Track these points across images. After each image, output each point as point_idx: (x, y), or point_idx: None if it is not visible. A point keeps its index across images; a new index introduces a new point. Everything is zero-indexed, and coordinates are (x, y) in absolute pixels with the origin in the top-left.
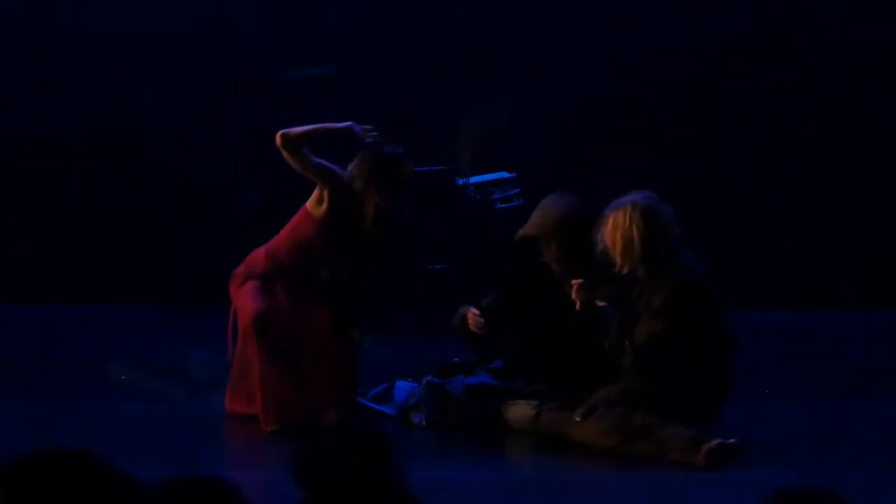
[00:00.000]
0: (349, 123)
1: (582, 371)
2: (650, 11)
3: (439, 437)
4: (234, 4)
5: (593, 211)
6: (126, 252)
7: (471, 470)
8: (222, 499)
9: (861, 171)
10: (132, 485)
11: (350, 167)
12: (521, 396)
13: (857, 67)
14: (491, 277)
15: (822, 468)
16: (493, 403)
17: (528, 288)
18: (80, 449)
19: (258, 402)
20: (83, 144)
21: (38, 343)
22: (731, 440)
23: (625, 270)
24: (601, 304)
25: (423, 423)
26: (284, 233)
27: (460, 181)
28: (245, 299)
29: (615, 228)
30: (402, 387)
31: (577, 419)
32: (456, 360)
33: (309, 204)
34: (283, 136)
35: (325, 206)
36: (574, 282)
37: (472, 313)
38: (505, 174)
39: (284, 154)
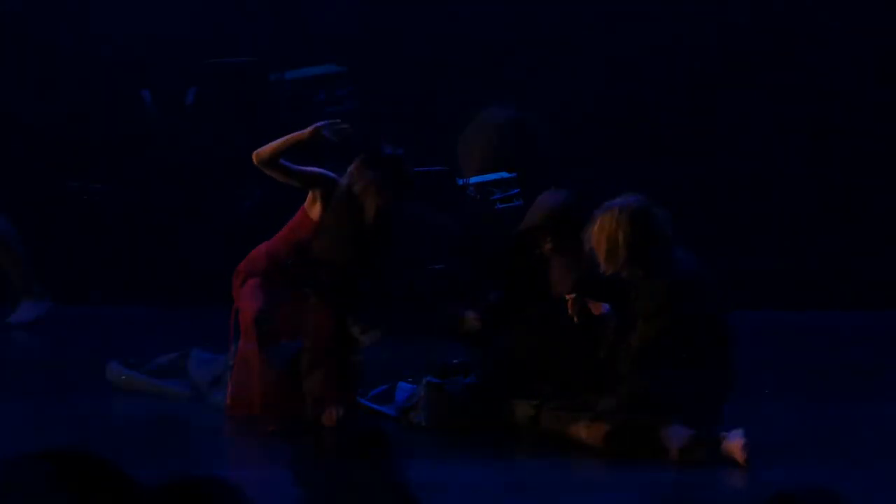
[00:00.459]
0: (316, 125)
1: (580, 371)
2: (650, 11)
3: (439, 437)
4: (235, 4)
5: (588, 205)
6: (126, 252)
7: (471, 470)
8: (222, 499)
9: (861, 171)
10: (132, 485)
11: (350, 168)
12: (521, 396)
13: (857, 67)
14: (490, 276)
15: (822, 468)
16: (493, 403)
17: (526, 286)
18: (80, 449)
19: (258, 401)
20: (83, 144)
21: (38, 343)
22: (736, 438)
23: (609, 272)
24: (597, 312)
25: (424, 423)
26: (284, 232)
27: (460, 181)
28: (246, 299)
29: (601, 231)
30: (404, 388)
31: (583, 431)
32: (455, 360)
33: (306, 204)
34: (256, 155)
35: (318, 207)
36: (568, 296)
37: (471, 317)
38: (505, 174)
39: (266, 171)
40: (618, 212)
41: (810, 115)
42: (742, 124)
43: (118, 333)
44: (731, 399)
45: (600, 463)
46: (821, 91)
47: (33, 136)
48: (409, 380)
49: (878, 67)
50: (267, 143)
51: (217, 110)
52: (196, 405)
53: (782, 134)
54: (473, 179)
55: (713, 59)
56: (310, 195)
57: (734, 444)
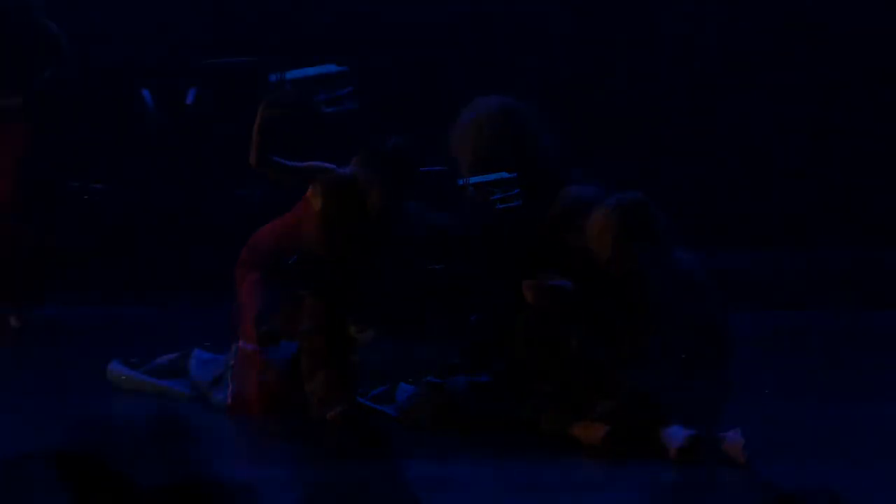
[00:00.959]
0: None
1: (580, 371)
2: (650, 11)
3: (439, 436)
4: (234, 4)
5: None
6: (126, 252)
7: (471, 469)
8: (222, 499)
9: (861, 171)
10: (132, 485)
11: (353, 161)
12: (523, 397)
13: (857, 67)
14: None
15: (822, 468)
16: (494, 403)
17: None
18: (80, 449)
19: (258, 401)
20: (83, 144)
21: (38, 343)
22: (735, 438)
23: (601, 268)
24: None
25: (423, 423)
26: (288, 219)
27: (460, 181)
28: (246, 298)
29: (592, 227)
30: (404, 388)
31: (583, 431)
32: (456, 360)
33: (308, 194)
34: (250, 162)
35: (319, 200)
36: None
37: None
38: (505, 174)
39: (267, 173)
40: (610, 209)
41: (810, 115)
42: (742, 124)
43: (118, 333)
44: (730, 399)
45: (600, 463)
46: (821, 91)
47: (33, 136)
48: (410, 380)
49: (878, 67)
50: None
51: (217, 110)
52: (196, 405)
53: (782, 134)
54: (473, 179)
55: (713, 59)
56: (311, 188)
57: (734, 444)
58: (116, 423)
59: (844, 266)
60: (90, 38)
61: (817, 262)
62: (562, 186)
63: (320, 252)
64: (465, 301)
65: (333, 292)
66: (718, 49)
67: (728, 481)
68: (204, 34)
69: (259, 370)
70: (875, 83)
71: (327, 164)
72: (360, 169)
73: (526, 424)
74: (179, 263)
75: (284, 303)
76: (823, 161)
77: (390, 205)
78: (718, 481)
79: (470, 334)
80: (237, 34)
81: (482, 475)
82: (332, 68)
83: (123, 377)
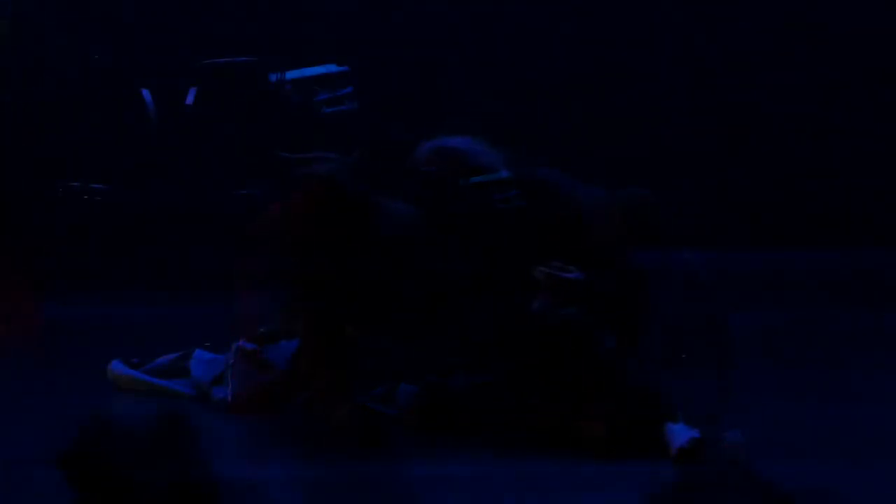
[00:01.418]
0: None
1: (580, 371)
2: (650, 11)
3: (439, 436)
4: (235, 4)
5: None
6: (126, 252)
7: (471, 468)
8: (222, 499)
9: (861, 171)
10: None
11: (353, 155)
12: (522, 396)
13: (857, 67)
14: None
15: (822, 468)
16: (494, 402)
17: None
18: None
19: (259, 401)
20: (83, 144)
21: (39, 343)
22: (735, 438)
23: (605, 266)
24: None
25: (424, 422)
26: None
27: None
28: (247, 297)
29: (597, 227)
30: (405, 388)
31: (583, 431)
32: (456, 360)
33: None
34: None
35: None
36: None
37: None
38: (334, 67)
39: None
40: (611, 205)
41: (810, 115)
42: (742, 124)
43: (118, 333)
44: (731, 399)
45: (600, 463)
46: (821, 91)
47: (34, 136)
48: (409, 380)
49: (878, 67)
50: (269, 143)
51: (217, 110)
52: (197, 405)
53: (782, 134)
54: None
55: (713, 58)
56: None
57: (734, 444)
58: (116, 423)
59: (844, 266)
60: (90, 38)
61: (817, 262)
62: (559, 188)
63: (310, 247)
64: (464, 301)
65: (331, 292)
66: (718, 49)
67: (728, 481)
68: (204, 34)
69: (259, 370)
70: (875, 83)
71: (328, 154)
72: (348, 164)
73: (526, 424)
74: (179, 263)
75: (284, 303)
76: (823, 161)
77: (376, 201)
78: (718, 481)
79: (470, 334)
80: (237, 34)
81: (482, 475)
82: (332, 68)
83: (124, 377)
